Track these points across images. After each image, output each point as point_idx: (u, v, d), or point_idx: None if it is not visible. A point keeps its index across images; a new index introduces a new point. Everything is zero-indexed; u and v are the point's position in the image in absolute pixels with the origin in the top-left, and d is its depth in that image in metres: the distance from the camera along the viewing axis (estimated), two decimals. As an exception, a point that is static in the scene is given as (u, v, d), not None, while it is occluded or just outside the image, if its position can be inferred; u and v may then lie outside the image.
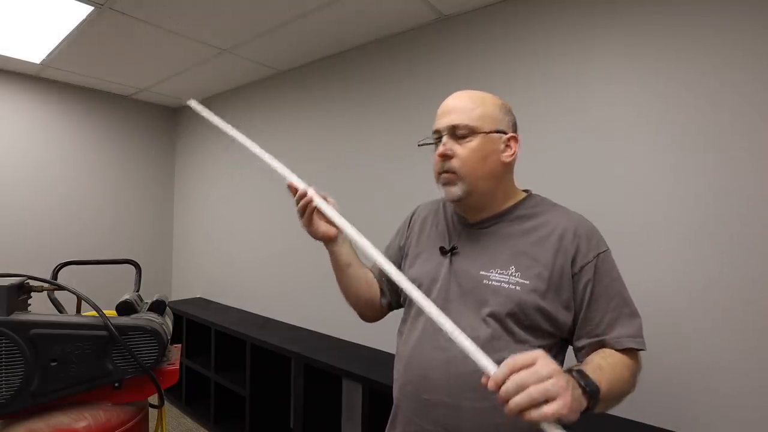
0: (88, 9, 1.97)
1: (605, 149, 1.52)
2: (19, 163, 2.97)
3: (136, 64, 2.74)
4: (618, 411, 1.43)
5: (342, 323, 2.33)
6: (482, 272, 0.87)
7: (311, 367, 2.01)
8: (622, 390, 0.76)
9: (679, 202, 1.37)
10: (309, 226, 0.94)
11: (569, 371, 0.69)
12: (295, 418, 2.10)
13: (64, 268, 1.08)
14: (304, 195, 0.91)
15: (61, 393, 0.84)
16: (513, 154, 0.91)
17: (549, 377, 0.60)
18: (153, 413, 1.04)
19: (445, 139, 0.88)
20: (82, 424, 0.84)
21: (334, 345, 2.21)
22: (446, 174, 0.88)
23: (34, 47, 2.48)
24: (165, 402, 0.98)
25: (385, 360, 1.97)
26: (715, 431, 1.27)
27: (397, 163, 2.12)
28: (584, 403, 0.66)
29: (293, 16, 2.00)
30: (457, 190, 0.88)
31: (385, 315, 1.12)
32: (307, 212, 0.92)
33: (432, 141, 0.92)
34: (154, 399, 0.97)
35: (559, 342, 0.88)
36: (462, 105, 0.89)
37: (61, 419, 0.83)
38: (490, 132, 0.87)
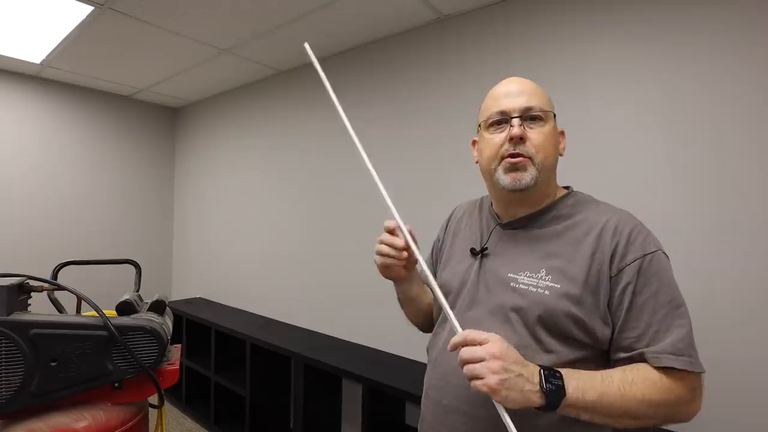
0: (88, 9, 1.97)
1: (605, 148, 1.52)
2: (19, 163, 2.97)
3: (136, 64, 2.74)
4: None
5: (342, 323, 2.33)
6: (510, 274, 0.81)
7: (311, 367, 2.01)
8: (627, 409, 0.67)
9: (681, 201, 1.37)
10: (390, 273, 0.91)
11: (543, 367, 0.68)
12: (295, 418, 2.10)
13: (64, 268, 1.08)
14: (405, 248, 0.87)
15: (61, 393, 0.84)
16: (564, 147, 0.89)
17: (481, 359, 0.64)
18: (153, 413, 1.04)
19: (518, 120, 0.80)
20: (82, 424, 0.84)
21: (334, 345, 2.20)
22: (517, 158, 0.79)
23: (34, 47, 2.48)
24: (165, 402, 0.98)
25: (385, 360, 1.97)
26: (714, 431, 1.27)
27: (398, 163, 2.11)
28: (534, 399, 0.65)
29: (293, 16, 2.00)
30: (527, 177, 0.79)
31: None
32: (396, 262, 0.88)
33: (499, 118, 0.83)
34: (154, 399, 0.97)
35: (598, 354, 0.77)
36: (530, 88, 0.83)
37: (61, 419, 0.83)
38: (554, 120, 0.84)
